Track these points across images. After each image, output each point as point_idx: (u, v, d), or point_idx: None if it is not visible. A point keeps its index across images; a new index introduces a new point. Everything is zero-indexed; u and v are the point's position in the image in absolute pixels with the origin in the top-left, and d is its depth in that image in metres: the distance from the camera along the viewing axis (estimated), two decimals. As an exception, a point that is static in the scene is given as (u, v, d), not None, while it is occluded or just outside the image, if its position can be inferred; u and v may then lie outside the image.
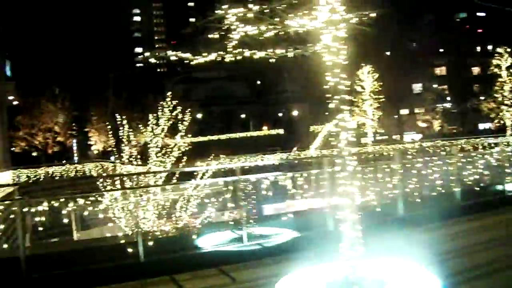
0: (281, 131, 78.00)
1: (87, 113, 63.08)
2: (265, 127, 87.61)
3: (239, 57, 6.33)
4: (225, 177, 8.91)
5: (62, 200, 7.01)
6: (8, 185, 20.38)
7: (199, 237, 7.85)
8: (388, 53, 65.20)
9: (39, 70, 63.17)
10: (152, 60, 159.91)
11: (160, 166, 21.27)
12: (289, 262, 6.63)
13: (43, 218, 7.07)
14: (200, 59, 6.56)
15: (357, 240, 5.63)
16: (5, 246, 7.76)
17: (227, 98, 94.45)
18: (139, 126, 22.97)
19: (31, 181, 28.87)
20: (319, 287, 5.79)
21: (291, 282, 5.91)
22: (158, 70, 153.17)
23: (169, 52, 6.71)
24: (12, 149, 50.78)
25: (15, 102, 36.48)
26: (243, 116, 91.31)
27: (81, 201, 8.12)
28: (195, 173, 15.33)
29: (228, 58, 6.37)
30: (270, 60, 7.03)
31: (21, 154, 56.31)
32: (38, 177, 29.88)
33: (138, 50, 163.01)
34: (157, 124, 21.59)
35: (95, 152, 65.38)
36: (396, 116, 64.60)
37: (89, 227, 24.59)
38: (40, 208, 7.02)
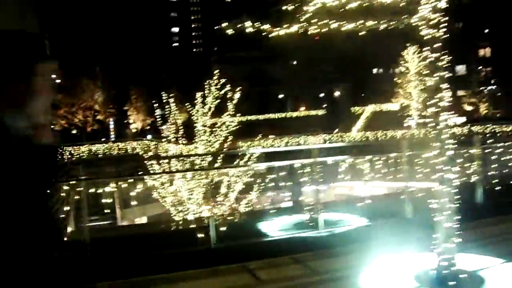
0: (321, 112, 76.81)
1: (126, 92, 63.53)
2: (302, 108, 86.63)
3: (324, 29, 5.78)
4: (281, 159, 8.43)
5: (130, 181, 6.67)
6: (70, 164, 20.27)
7: (267, 221, 7.42)
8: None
9: (79, 50, 63.49)
10: (192, 40, 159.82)
11: (207, 145, 21.04)
12: (366, 251, 6.17)
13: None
14: (280, 31, 6.03)
15: (453, 231, 5.12)
16: (69, 229, 7.48)
17: (264, 78, 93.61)
18: (180, 105, 22.88)
19: (74, 158, 28.98)
20: (406, 279, 5.33)
21: (375, 273, 5.45)
22: (194, 50, 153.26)
23: (247, 24, 6.16)
24: (52, 127, 51.45)
25: (58, 81, 36.60)
26: (280, 96, 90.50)
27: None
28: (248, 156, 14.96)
29: (312, 30, 5.83)
30: (316, 38, 6.52)
31: (61, 132, 57.11)
32: (81, 155, 29.96)
33: (175, 30, 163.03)
34: (204, 103, 21.40)
35: (133, 130, 65.94)
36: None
37: (130, 206, 24.62)
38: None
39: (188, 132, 22.25)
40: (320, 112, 75.60)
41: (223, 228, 6.29)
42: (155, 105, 25.60)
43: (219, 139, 20.73)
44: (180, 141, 21.41)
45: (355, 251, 6.42)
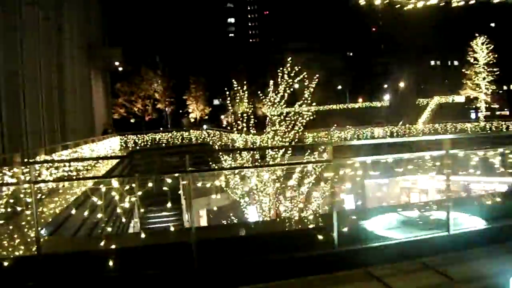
0: (384, 104, 74.76)
1: (186, 82, 63.55)
2: (360, 99, 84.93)
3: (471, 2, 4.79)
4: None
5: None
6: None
7: (376, 221, 6.44)
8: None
9: (138, 39, 63.84)
10: (248, 31, 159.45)
11: (279, 135, 20.21)
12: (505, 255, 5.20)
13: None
14: (418, 3, 5.08)
15: None
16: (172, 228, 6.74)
17: (320, 69, 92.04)
18: (241, 95, 22.27)
19: (138, 147, 28.87)
20: None
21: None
22: (251, 40, 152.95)
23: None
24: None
25: (120, 68, 36.47)
26: (339, 87, 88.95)
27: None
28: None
29: (455, 2, 4.84)
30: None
31: (119, 120, 57.63)
32: (145, 143, 29.79)
33: (231, 20, 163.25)
34: (276, 92, 20.57)
35: (191, 120, 65.99)
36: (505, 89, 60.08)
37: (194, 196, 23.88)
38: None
39: (255, 122, 21.57)
40: (383, 103, 73.69)
41: (344, 229, 5.36)
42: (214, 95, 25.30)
43: (296, 129, 19.94)
44: (250, 131, 20.73)
45: (491, 255, 5.42)
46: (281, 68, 20.12)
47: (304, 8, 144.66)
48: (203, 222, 25.91)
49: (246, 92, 22.54)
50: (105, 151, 20.96)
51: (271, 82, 20.21)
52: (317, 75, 21.07)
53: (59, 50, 20.67)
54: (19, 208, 6.63)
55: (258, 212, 19.74)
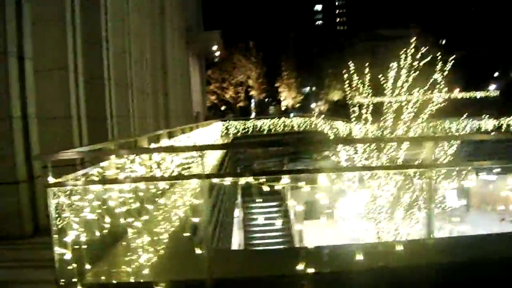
0: (492, 94, 69.80)
1: (278, 69, 62.44)
2: (457, 89, 79.97)
3: None
4: None
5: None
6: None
7: None
8: None
9: (230, 24, 63.41)
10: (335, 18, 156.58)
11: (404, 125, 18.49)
12: None
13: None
14: None
15: None
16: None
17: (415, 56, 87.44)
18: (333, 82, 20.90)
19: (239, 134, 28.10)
20: None
21: None
22: (338, 28, 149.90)
23: None
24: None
25: (218, 53, 35.43)
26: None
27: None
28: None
29: None
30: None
31: (210, 107, 57.51)
32: (247, 130, 28.93)
33: (318, 7, 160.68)
34: (396, 78, 18.88)
35: (283, 108, 64.91)
36: None
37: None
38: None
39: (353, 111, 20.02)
40: (490, 93, 68.91)
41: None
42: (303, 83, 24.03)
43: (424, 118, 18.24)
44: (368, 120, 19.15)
45: None
46: (404, 50, 18.49)
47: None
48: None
49: (343, 79, 20.90)
50: (210, 138, 20.06)
51: (393, 65, 18.52)
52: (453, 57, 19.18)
53: (161, 32, 19.93)
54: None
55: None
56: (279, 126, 29.72)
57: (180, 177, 7.35)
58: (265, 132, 28.86)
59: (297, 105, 65.99)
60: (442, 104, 18.54)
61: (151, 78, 17.00)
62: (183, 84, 26.01)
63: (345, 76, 20.79)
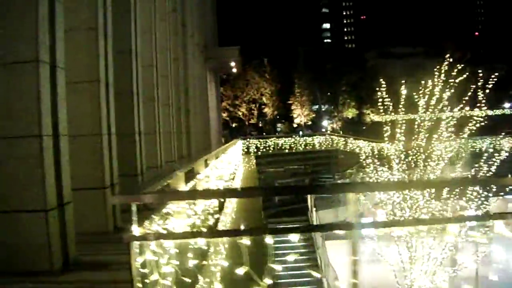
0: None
1: (291, 85, 61.70)
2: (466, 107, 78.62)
3: None
4: None
5: None
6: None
7: None
8: None
9: (242, 41, 62.93)
10: (344, 36, 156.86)
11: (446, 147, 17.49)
12: None
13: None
14: None
15: None
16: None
17: (424, 74, 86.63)
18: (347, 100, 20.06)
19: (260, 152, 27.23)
20: None
21: None
22: (346, 45, 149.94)
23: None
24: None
25: (235, 70, 34.67)
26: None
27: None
28: None
29: None
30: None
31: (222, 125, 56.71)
32: (267, 148, 28.04)
33: (326, 26, 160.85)
34: (431, 94, 18.00)
35: (295, 125, 64.03)
36: None
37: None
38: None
39: (364, 129, 19.18)
40: (506, 111, 67.84)
41: None
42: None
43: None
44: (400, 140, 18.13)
45: None
46: (438, 67, 17.69)
47: (402, 12, 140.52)
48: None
49: (357, 96, 19.92)
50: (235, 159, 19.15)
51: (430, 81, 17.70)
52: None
53: (183, 47, 19.16)
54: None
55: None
56: (300, 145, 28.86)
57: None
58: (286, 151, 27.96)
59: (309, 123, 65.16)
60: (483, 122, 17.61)
61: (174, 94, 16.18)
62: (202, 101, 25.22)
63: (362, 93, 19.96)
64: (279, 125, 67.08)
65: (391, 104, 18.84)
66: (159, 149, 12.94)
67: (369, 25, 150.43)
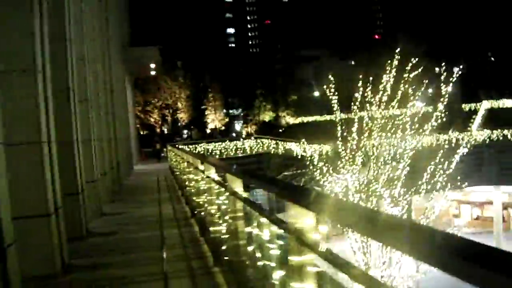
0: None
1: (205, 90, 59.59)
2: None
3: None
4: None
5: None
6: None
7: None
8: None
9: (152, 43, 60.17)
10: (248, 41, 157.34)
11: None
12: None
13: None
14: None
15: None
16: None
17: (334, 75, 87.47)
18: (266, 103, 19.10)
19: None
20: None
21: None
22: (251, 50, 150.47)
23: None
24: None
25: (153, 72, 32.17)
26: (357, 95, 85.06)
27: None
28: None
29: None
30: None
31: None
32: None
33: (230, 30, 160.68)
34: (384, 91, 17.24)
35: (208, 131, 62.00)
36: None
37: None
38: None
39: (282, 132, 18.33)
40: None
41: None
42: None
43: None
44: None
45: None
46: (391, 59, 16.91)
47: (306, 16, 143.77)
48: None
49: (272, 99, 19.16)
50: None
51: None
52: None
53: (107, 44, 16.94)
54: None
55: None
56: (231, 150, 27.27)
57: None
58: (217, 156, 26.20)
59: (223, 128, 63.56)
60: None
61: (102, 95, 14.03)
62: (123, 105, 22.89)
63: (277, 96, 19.16)
64: (185, 131, 63.54)
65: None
66: (95, 160, 10.84)
67: (273, 30, 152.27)
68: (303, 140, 22.05)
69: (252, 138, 33.02)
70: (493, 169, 29.41)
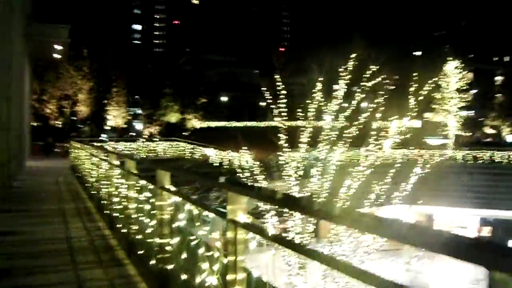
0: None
1: (109, 83, 54.88)
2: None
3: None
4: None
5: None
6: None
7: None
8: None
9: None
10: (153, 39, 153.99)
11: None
12: None
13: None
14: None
15: None
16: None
17: (237, 84, 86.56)
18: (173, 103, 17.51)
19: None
20: None
21: None
22: (156, 49, 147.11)
23: None
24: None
25: (59, 56, 27.73)
26: (263, 104, 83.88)
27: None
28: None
29: None
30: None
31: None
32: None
33: (137, 27, 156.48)
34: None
35: (107, 128, 57.45)
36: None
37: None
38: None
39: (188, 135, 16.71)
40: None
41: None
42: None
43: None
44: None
45: None
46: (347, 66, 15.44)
47: (215, 22, 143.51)
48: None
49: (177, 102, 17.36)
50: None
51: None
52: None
53: (8, 17, 13.78)
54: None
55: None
56: (143, 152, 24.20)
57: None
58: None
59: (125, 126, 59.48)
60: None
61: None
62: (20, 90, 19.42)
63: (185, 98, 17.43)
64: (80, 125, 58.00)
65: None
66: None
67: (181, 31, 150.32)
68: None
69: (156, 139, 30.51)
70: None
